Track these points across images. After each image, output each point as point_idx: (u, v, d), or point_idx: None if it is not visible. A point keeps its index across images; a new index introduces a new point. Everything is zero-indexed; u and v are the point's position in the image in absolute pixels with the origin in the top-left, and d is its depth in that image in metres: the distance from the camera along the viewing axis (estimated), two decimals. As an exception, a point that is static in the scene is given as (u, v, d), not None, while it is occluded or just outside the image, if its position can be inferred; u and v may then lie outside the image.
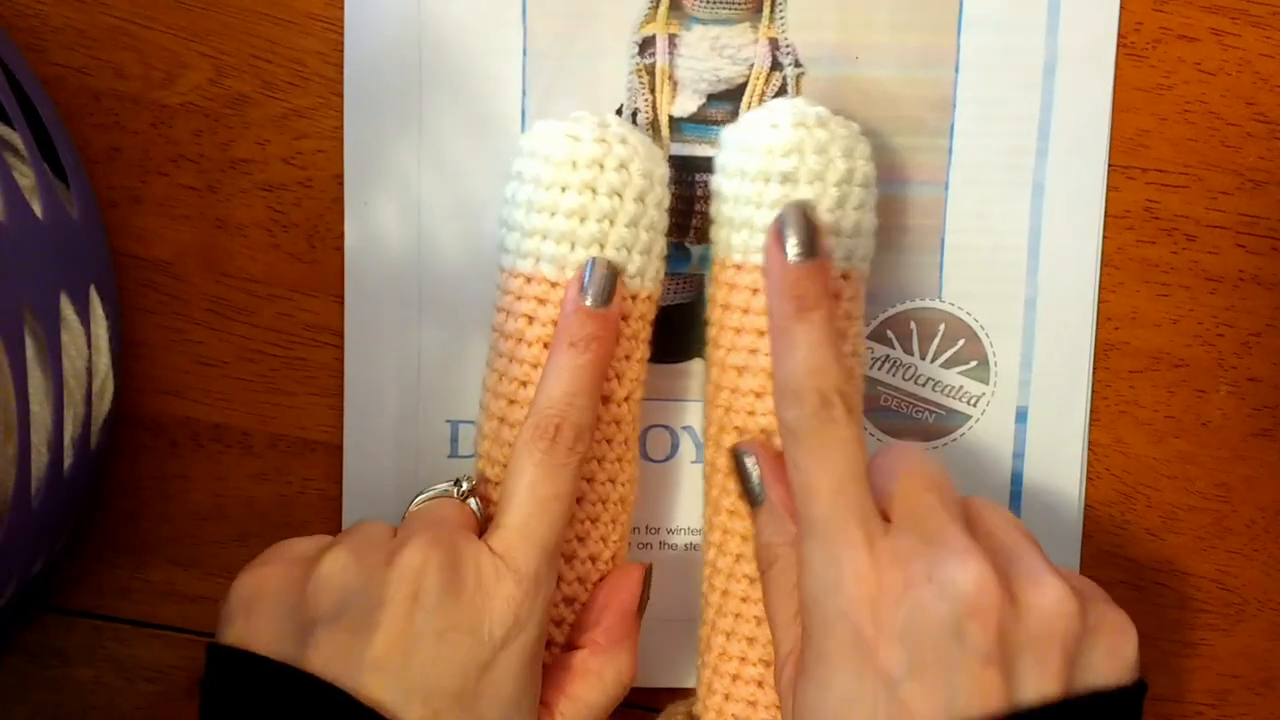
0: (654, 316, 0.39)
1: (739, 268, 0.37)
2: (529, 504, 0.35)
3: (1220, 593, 0.44)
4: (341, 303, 0.42)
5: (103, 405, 0.40)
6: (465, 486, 0.38)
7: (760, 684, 0.37)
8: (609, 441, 0.38)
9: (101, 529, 0.43)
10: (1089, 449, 0.43)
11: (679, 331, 0.42)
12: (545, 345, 0.37)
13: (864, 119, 0.39)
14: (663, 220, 0.38)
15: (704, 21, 0.41)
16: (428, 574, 0.33)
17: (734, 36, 0.41)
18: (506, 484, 0.36)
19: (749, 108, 0.41)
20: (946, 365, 0.43)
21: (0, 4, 0.41)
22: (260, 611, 0.33)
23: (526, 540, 0.35)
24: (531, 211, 0.37)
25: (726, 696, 0.38)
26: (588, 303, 0.36)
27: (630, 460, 0.39)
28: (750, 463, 0.37)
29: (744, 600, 0.38)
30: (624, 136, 0.37)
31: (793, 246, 0.35)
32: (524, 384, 0.37)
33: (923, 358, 0.43)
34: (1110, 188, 0.43)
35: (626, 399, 0.38)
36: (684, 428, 0.43)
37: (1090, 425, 0.43)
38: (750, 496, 0.37)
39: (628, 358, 0.38)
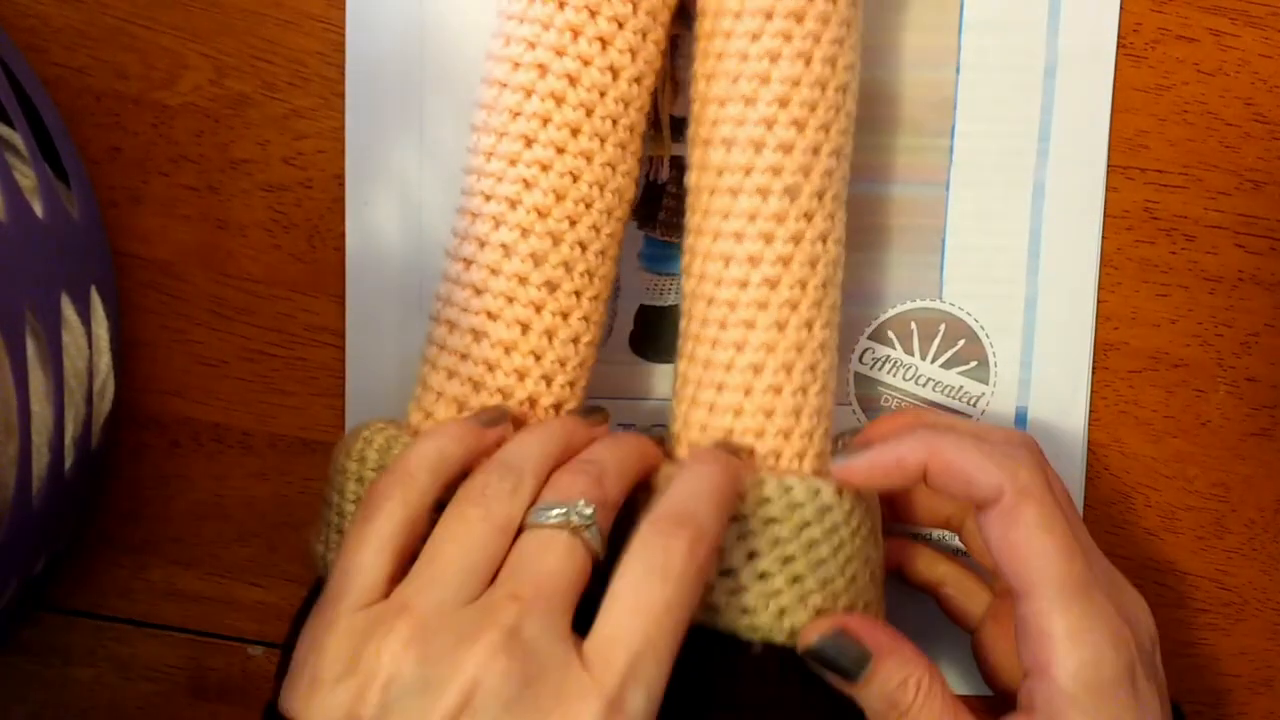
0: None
1: None
2: (651, 622, 0.29)
3: (1219, 592, 0.45)
4: (342, 303, 0.42)
5: (103, 405, 0.40)
6: (588, 513, 0.31)
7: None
8: (614, 122, 0.36)
9: (101, 529, 0.43)
10: (1089, 449, 0.43)
11: (678, 332, 0.42)
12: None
13: (864, 119, 0.39)
14: None
15: (704, 22, 0.41)
16: (487, 687, 0.28)
17: (734, 37, 0.41)
18: (624, 579, 0.30)
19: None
20: (946, 365, 0.43)
21: (0, 4, 0.41)
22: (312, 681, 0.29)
23: (634, 676, 0.29)
24: None
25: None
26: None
27: (634, 152, 0.37)
28: (838, 639, 0.33)
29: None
30: None
31: None
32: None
33: (923, 358, 0.43)
34: (1109, 188, 0.43)
35: (638, 80, 0.36)
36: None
37: (1090, 425, 0.43)
38: (851, 671, 0.33)
39: (644, 35, 0.36)
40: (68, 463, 0.38)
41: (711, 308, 0.36)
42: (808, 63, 0.35)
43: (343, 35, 0.41)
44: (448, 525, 0.31)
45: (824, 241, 0.35)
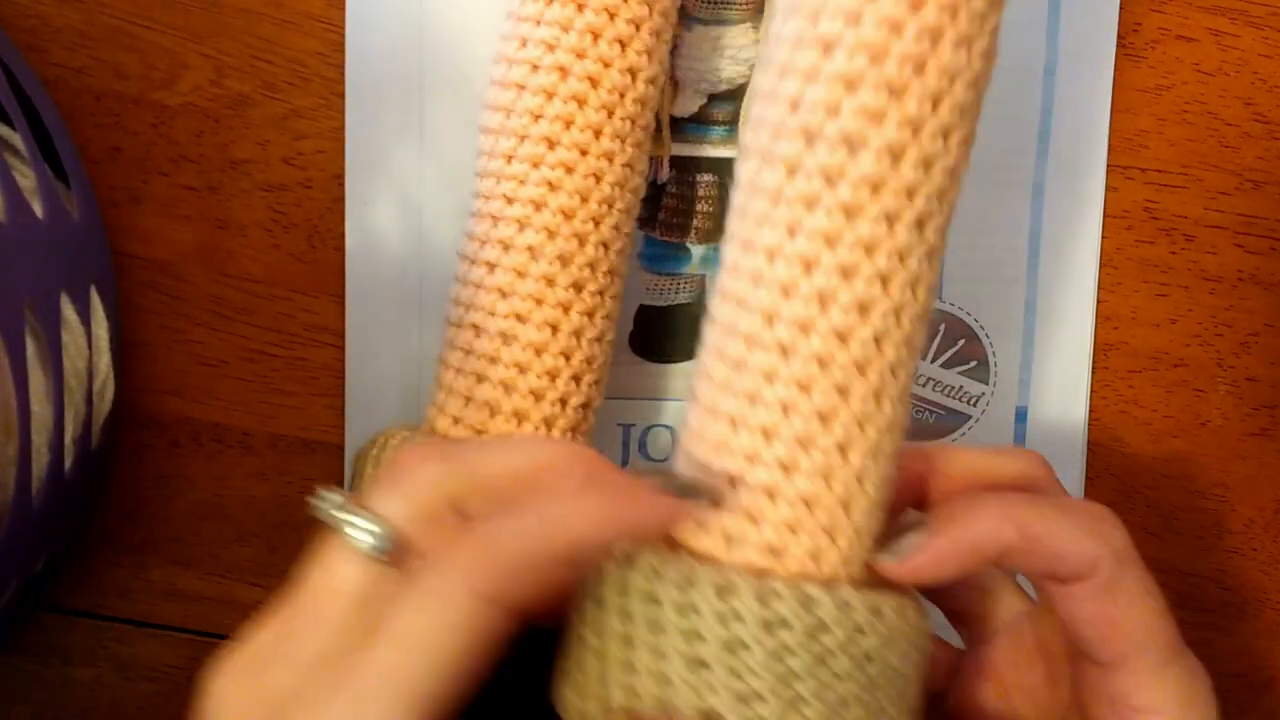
0: None
1: None
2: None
3: (1219, 592, 0.44)
4: (342, 303, 0.42)
5: (103, 405, 0.40)
6: (381, 539, 0.26)
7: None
8: (633, 122, 0.36)
9: (101, 529, 0.43)
10: (1089, 449, 0.43)
11: (680, 332, 0.42)
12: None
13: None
14: None
15: (705, 22, 0.41)
16: None
17: (735, 37, 0.41)
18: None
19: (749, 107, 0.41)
20: (946, 365, 0.43)
21: (0, 4, 0.41)
22: None
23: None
24: None
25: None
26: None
27: (647, 152, 0.37)
28: None
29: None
30: None
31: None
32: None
33: (923, 358, 0.43)
34: (1109, 188, 0.43)
35: (652, 80, 0.36)
36: (684, 428, 0.43)
37: (1090, 425, 0.43)
38: None
39: (658, 36, 0.36)
40: (68, 463, 0.38)
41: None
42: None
43: (343, 35, 0.41)
44: None
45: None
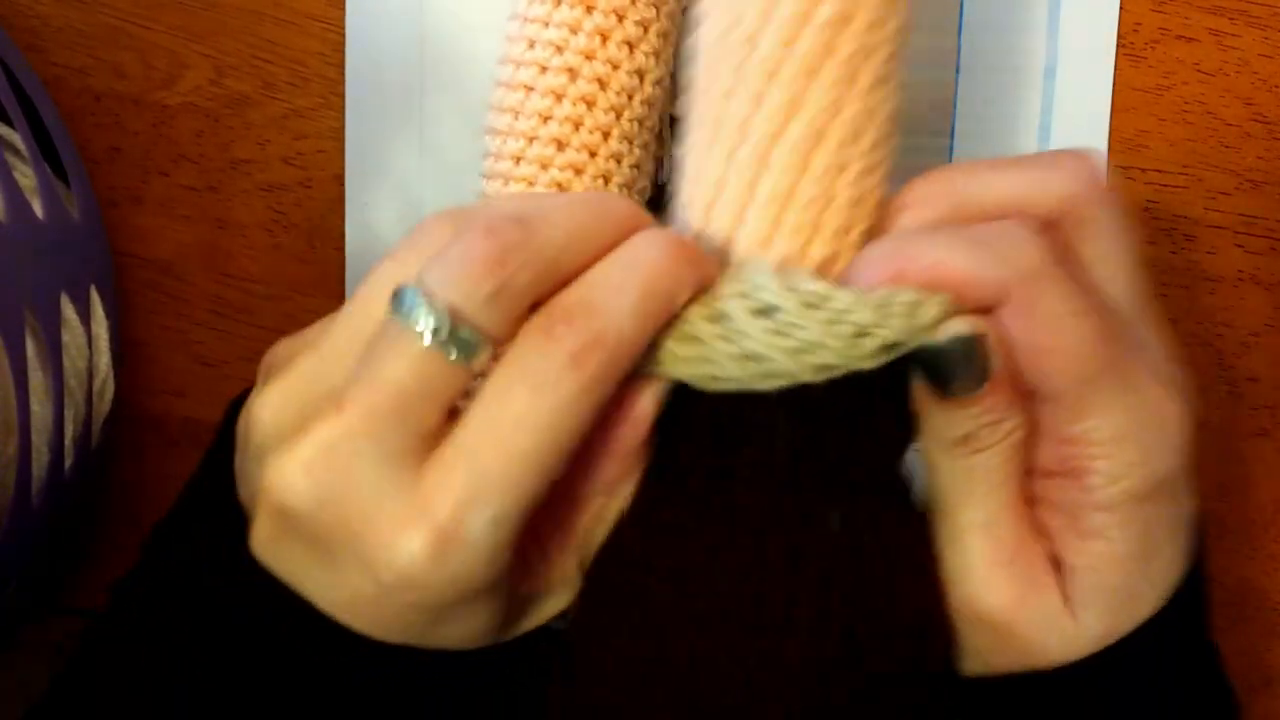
0: None
1: None
2: (507, 439, 0.24)
3: (1219, 592, 0.44)
4: (341, 303, 0.42)
5: (103, 405, 0.40)
6: (440, 308, 0.24)
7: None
8: (640, 124, 0.35)
9: (101, 529, 0.43)
10: (1088, 449, 0.43)
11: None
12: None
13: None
14: None
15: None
16: (291, 508, 0.24)
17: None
18: (490, 384, 0.24)
19: None
20: (946, 365, 0.43)
21: (0, 4, 0.41)
22: None
23: (476, 500, 0.23)
24: None
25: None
26: None
27: (654, 154, 0.37)
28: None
29: None
30: None
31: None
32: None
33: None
34: (1109, 188, 0.43)
35: (659, 82, 0.36)
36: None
37: (1090, 425, 0.43)
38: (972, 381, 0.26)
39: (665, 38, 0.35)
40: (67, 463, 0.38)
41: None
42: None
43: (343, 35, 0.41)
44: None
45: None
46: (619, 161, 0.35)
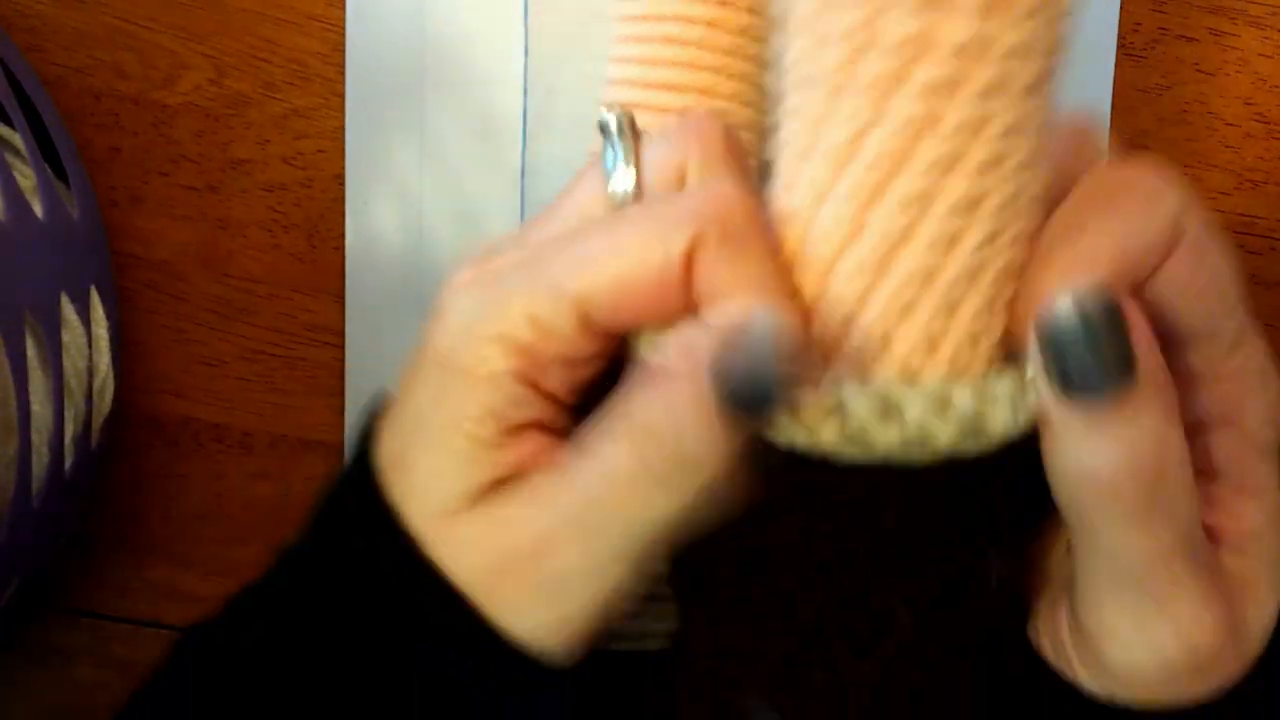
0: None
1: None
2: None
3: (1219, 592, 0.44)
4: (342, 303, 0.42)
5: (103, 405, 0.40)
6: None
7: None
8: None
9: (101, 529, 0.43)
10: (1088, 449, 0.43)
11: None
12: None
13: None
14: None
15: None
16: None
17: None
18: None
19: None
20: (946, 365, 0.43)
21: (0, 4, 0.41)
22: None
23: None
24: None
25: None
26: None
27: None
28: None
29: None
30: None
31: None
32: None
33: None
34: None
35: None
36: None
37: (1090, 425, 0.43)
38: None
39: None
40: (67, 463, 0.38)
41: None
42: None
43: (343, 35, 0.41)
44: None
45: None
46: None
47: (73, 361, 0.38)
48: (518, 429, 0.24)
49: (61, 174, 0.39)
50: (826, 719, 0.24)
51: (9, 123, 0.37)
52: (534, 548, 0.23)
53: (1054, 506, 0.23)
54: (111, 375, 0.40)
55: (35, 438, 0.35)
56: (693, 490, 0.22)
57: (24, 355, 0.33)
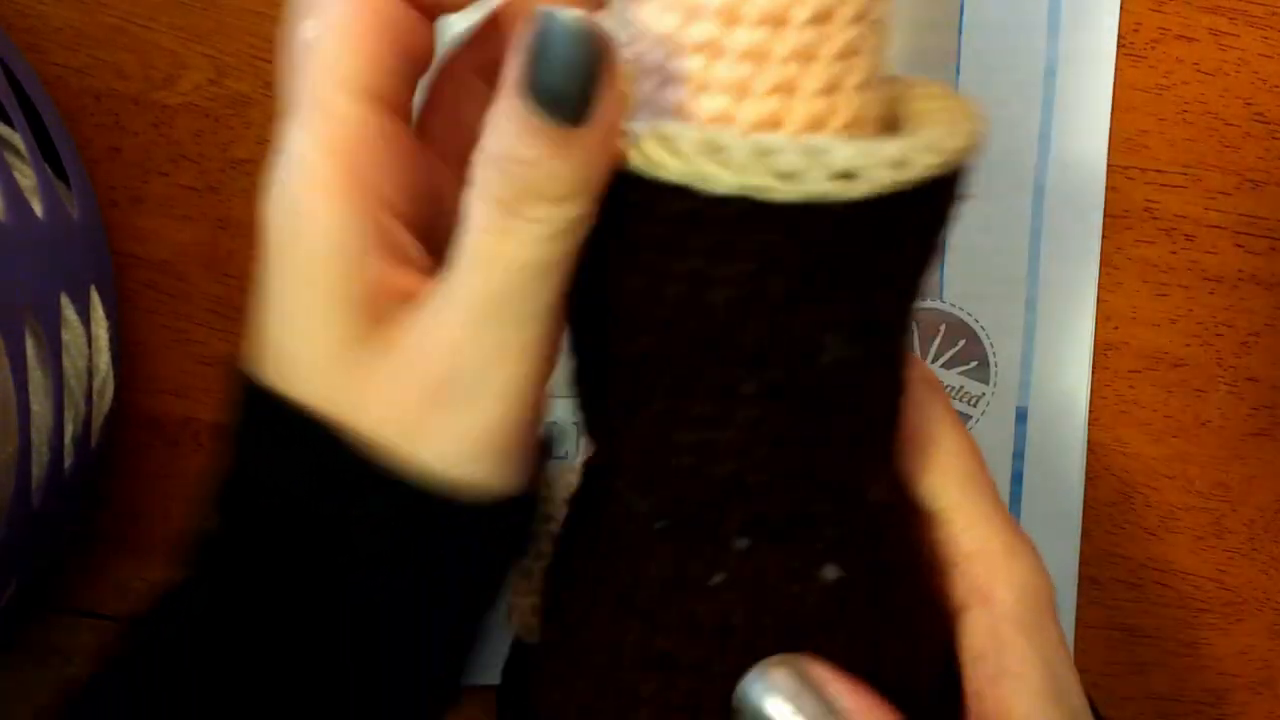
0: None
1: None
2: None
3: (1219, 592, 0.44)
4: (342, 303, 0.42)
5: (103, 405, 0.40)
6: None
7: None
8: None
9: (101, 529, 0.43)
10: (1089, 449, 0.43)
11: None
12: None
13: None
14: None
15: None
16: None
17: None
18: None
19: None
20: (947, 365, 0.43)
21: (0, 4, 0.41)
22: None
23: None
24: None
25: None
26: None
27: None
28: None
29: None
30: None
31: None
32: None
33: (923, 358, 0.43)
34: (1109, 188, 0.43)
35: None
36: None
37: (1090, 425, 0.43)
38: None
39: None
40: (67, 462, 0.38)
41: None
42: None
43: (343, 35, 0.41)
44: None
45: None
46: None
47: (73, 361, 0.38)
48: (369, 261, 0.23)
49: (61, 174, 0.39)
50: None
51: (9, 123, 0.37)
52: (451, 362, 0.22)
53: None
54: (111, 375, 0.40)
55: (35, 437, 0.35)
56: (560, 220, 0.22)
57: (24, 355, 0.33)
